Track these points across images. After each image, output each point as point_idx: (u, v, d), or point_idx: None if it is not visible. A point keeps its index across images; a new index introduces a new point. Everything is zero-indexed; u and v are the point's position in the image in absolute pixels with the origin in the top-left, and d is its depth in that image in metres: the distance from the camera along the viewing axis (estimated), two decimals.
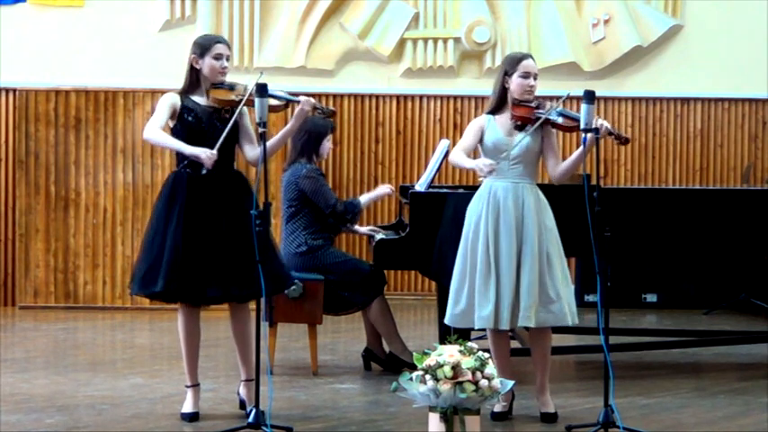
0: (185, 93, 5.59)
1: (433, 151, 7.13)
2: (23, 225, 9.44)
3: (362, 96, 10.05)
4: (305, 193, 6.71)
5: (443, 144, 6.92)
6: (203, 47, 5.55)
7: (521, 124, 5.58)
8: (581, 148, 5.43)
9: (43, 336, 8.21)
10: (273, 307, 6.56)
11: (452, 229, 5.95)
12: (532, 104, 5.59)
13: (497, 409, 5.65)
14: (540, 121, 5.53)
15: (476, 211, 5.61)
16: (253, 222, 5.13)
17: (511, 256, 5.49)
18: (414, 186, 6.75)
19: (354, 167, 10.04)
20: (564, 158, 5.68)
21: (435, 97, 10.09)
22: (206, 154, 5.35)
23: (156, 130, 5.47)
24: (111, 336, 8.43)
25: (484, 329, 5.78)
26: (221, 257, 5.40)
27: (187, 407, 5.60)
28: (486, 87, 10.05)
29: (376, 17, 10.02)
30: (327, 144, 6.88)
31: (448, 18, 10.07)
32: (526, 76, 5.60)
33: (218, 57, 5.53)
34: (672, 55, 10.17)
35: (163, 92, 9.29)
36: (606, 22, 10.11)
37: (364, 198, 6.98)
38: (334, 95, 9.94)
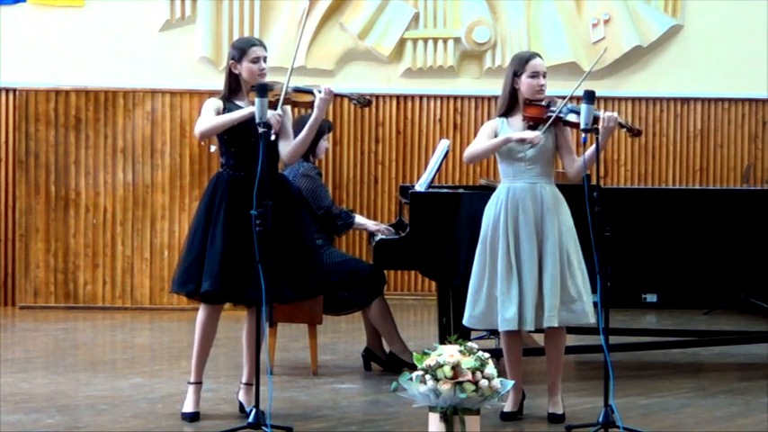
0: (227, 98, 5.57)
1: (433, 151, 7.13)
2: (23, 225, 9.44)
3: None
4: (301, 192, 6.71)
5: (443, 144, 6.92)
6: (240, 51, 5.54)
7: (533, 124, 5.56)
8: (593, 146, 5.40)
9: (43, 336, 8.21)
10: (273, 307, 6.54)
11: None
12: (543, 103, 5.57)
13: (507, 408, 5.65)
14: (552, 120, 5.52)
15: (493, 212, 5.59)
16: (253, 222, 5.12)
17: (533, 256, 5.49)
18: (414, 186, 6.75)
19: (354, 167, 10.03)
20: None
21: (435, 97, 10.08)
22: (273, 115, 5.28)
23: (205, 121, 5.43)
24: (111, 336, 8.43)
25: (487, 330, 5.78)
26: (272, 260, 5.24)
27: (188, 406, 5.60)
28: (486, 87, 10.17)
29: (376, 17, 10.01)
30: (324, 143, 6.92)
31: (448, 18, 10.07)
32: (535, 75, 5.57)
33: (255, 60, 5.54)
34: (672, 55, 10.16)
35: (163, 92, 9.57)
36: (606, 22, 10.11)
37: (359, 219, 6.97)
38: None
